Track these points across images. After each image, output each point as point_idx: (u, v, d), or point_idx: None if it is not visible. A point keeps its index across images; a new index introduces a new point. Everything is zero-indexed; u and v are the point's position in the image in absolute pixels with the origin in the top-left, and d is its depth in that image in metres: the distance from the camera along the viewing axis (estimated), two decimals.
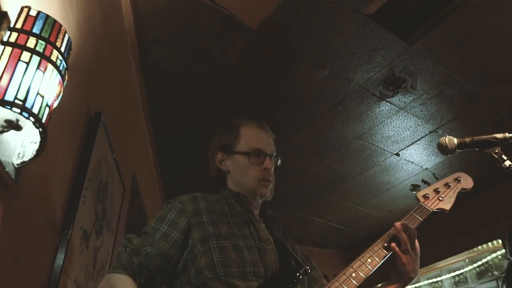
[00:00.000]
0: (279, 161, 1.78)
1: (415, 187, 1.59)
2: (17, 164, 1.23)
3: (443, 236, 5.06)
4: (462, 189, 1.87)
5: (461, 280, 5.04)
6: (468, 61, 3.16)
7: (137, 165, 3.34)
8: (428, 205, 1.78)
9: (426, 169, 4.39)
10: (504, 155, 1.60)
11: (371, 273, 1.49)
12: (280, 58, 3.09)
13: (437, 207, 1.78)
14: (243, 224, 1.60)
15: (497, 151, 1.62)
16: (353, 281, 1.45)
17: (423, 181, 1.90)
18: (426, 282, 5.38)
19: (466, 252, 4.88)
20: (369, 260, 1.54)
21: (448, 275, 5.13)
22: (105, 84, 2.34)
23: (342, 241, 6.03)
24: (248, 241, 1.55)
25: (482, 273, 4.85)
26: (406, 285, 1.59)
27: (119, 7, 2.70)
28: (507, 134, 1.62)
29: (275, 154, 1.75)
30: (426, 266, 5.27)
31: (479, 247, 4.77)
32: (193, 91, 3.38)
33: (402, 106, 3.55)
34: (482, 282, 4.78)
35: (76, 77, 1.75)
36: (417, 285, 5.45)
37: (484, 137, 1.65)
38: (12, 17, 1.20)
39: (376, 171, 4.43)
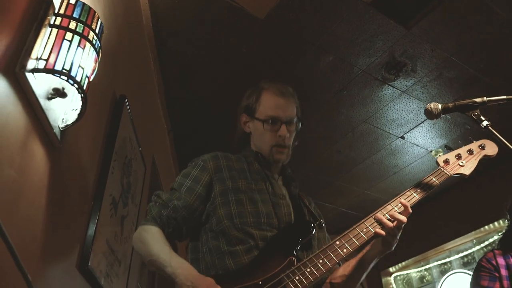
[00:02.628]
0: (299, 125, 1.86)
1: (437, 153, 1.72)
2: (62, 127, 1.48)
3: (450, 217, 5.24)
4: (485, 155, 1.90)
5: (469, 261, 5.20)
6: (465, 44, 3.34)
7: (156, 153, 3.59)
8: (448, 169, 1.81)
9: (431, 151, 4.57)
10: (482, 117, 1.79)
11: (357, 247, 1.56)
12: (286, 47, 3.31)
13: (456, 172, 1.82)
14: (260, 180, 1.75)
15: (476, 113, 1.79)
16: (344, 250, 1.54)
17: (446, 146, 2.01)
18: (435, 263, 5.54)
19: (473, 232, 5.03)
20: (357, 236, 1.58)
21: (456, 256, 5.29)
22: (127, 72, 2.58)
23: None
24: (263, 195, 1.71)
25: None
26: (382, 254, 1.67)
27: (137, 2, 2.95)
28: (485, 98, 1.80)
29: (294, 120, 1.83)
30: (435, 248, 5.43)
31: (486, 227, 4.91)
32: (208, 79, 3.61)
33: (404, 90, 3.75)
34: None
35: (103, 62, 2.00)
36: (427, 267, 5.62)
37: (465, 101, 1.82)
38: (56, 5, 1.44)
39: (383, 155, 4.63)
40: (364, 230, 1.61)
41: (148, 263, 1.55)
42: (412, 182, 5.28)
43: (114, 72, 2.27)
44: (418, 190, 1.76)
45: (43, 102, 1.33)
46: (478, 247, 5.08)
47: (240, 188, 1.71)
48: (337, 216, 5.91)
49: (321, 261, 1.50)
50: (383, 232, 1.59)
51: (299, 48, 3.32)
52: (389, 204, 1.71)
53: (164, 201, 1.66)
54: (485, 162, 4.06)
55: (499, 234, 4.81)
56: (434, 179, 1.79)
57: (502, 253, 2.59)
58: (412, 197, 1.73)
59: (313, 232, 1.65)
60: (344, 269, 1.70)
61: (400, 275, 5.95)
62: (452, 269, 5.29)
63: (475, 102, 1.81)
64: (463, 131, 4.27)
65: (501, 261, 2.54)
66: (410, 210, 1.68)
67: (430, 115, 1.87)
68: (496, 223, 4.84)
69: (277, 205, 1.71)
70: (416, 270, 5.76)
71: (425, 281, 5.66)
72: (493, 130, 1.78)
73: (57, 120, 1.44)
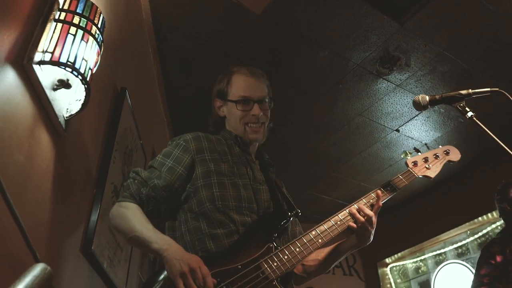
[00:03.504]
0: (272, 104, 1.92)
1: (407, 154, 1.84)
2: (66, 117, 1.57)
3: (445, 209, 5.33)
4: (449, 161, 2.06)
5: (463, 252, 5.30)
6: (457, 39, 3.42)
7: (157, 144, 3.68)
8: (416, 171, 1.98)
9: (425, 144, 4.65)
10: (468, 108, 1.88)
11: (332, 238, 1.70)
12: (283, 41, 3.40)
13: (423, 174, 1.98)
14: (241, 165, 1.81)
15: (462, 105, 1.88)
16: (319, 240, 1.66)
17: (415, 149, 2.09)
18: (430, 254, 5.64)
19: (467, 224, 5.12)
20: (331, 228, 1.71)
21: (451, 247, 5.39)
22: (127, 66, 2.67)
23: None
24: (245, 180, 1.77)
25: (483, 244, 5.09)
26: (357, 248, 1.80)
27: None
28: (470, 91, 1.89)
29: (266, 100, 1.89)
30: (429, 239, 5.53)
31: (480, 218, 5.01)
32: (207, 73, 3.69)
33: (399, 83, 3.83)
34: None
35: (105, 56, 2.08)
36: (422, 257, 5.72)
37: (451, 93, 1.92)
38: (60, 1, 1.53)
39: (378, 148, 4.72)
40: (338, 222, 1.73)
41: (129, 240, 1.58)
42: None
43: (115, 66, 2.36)
44: (388, 189, 1.89)
45: (49, 92, 1.42)
46: (472, 238, 5.18)
47: (223, 171, 1.75)
48: (334, 208, 5.93)
49: (297, 249, 1.61)
50: (354, 225, 1.72)
51: (296, 42, 3.40)
52: (362, 199, 1.83)
53: (143, 179, 1.69)
54: (480, 155, 4.09)
55: (494, 226, 4.93)
56: (403, 179, 1.95)
57: (500, 239, 2.71)
58: (383, 194, 1.84)
59: (290, 220, 1.74)
60: (318, 254, 1.80)
61: (396, 266, 6.06)
62: (447, 260, 5.40)
63: (461, 94, 1.91)
64: (457, 124, 4.36)
65: (496, 248, 2.68)
66: (381, 204, 1.79)
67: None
68: (489, 215, 4.93)
69: (257, 190, 1.77)
70: (411, 261, 5.86)
71: (420, 271, 5.76)
72: (477, 121, 1.89)
73: (62, 110, 1.53)
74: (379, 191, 1.82)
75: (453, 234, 5.37)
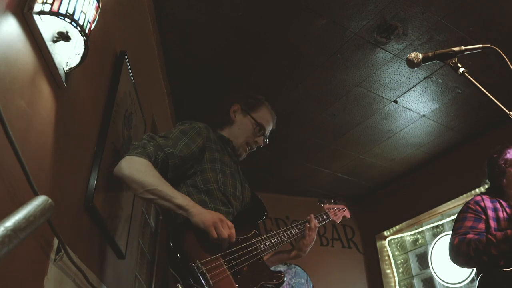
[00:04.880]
0: (267, 143, 2.40)
1: (321, 201, 2.71)
2: (66, 70, 1.61)
3: (442, 181, 5.39)
4: (344, 216, 2.71)
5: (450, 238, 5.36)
6: (454, 7, 3.43)
7: (156, 114, 3.72)
8: (330, 214, 2.55)
9: (423, 115, 4.70)
10: (459, 64, 1.92)
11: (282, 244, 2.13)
12: (280, 10, 3.41)
13: (333, 218, 2.57)
14: (233, 163, 2.19)
15: (454, 61, 1.93)
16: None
17: (326, 199, 2.75)
18: (428, 226, 5.72)
19: (464, 196, 5.17)
20: (295, 234, 2.20)
21: (448, 219, 5.46)
22: (126, 33, 2.69)
23: (349, 192, 6.37)
24: (237, 175, 2.17)
25: None
26: (294, 259, 2.25)
27: None
28: (462, 47, 1.94)
29: (267, 139, 2.39)
30: (427, 212, 5.60)
31: (477, 190, 5.05)
32: (206, 43, 3.72)
33: (396, 53, 3.86)
34: None
35: (103, 19, 2.11)
36: (420, 230, 5.80)
37: (443, 50, 1.96)
38: None
39: (376, 119, 4.76)
40: (298, 228, 2.22)
41: (148, 191, 1.76)
42: (406, 147, 5.47)
43: (115, 30, 2.39)
44: (318, 218, 2.42)
45: (49, 44, 1.46)
46: None
47: (225, 162, 2.11)
48: (333, 182, 6.07)
49: (274, 241, 2.05)
50: (313, 226, 2.23)
51: (293, 10, 3.41)
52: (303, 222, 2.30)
53: (160, 144, 1.91)
54: (477, 127, 4.10)
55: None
56: (325, 217, 2.50)
57: (489, 197, 2.72)
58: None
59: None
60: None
61: (394, 239, 6.15)
62: (444, 232, 5.47)
63: (453, 50, 1.96)
64: (454, 95, 4.39)
65: (488, 203, 2.68)
66: (317, 225, 2.30)
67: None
68: (486, 186, 4.97)
69: (244, 188, 2.21)
70: (409, 233, 5.95)
71: (418, 244, 5.85)
72: (469, 77, 1.93)
73: (61, 63, 1.57)
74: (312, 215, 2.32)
75: (451, 206, 5.43)
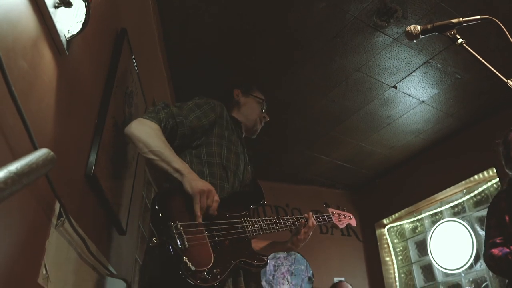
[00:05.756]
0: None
1: (328, 205, 2.71)
2: (68, 37, 1.62)
3: (441, 169, 5.41)
4: (349, 224, 2.73)
5: (459, 211, 5.39)
6: None
7: (157, 97, 3.74)
8: (333, 218, 2.56)
9: (422, 101, 4.71)
10: (458, 35, 1.94)
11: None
12: None
13: (335, 222, 2.58)
14: (240, 145, 2.28)
15: (452, 32, 1.95)
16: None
17: (333, 206, 2.74)
18: (427, 214, 5.74)
19: (463, 182, 5.20)
20: (287, 224, 2.19)
21: (447, 206, 5.49)
22: (127, 12, 2.71)
23: (349, 180, 6.40)
24: (242, 156, 2.25)
25: (478, 202, 5.19)
26: (287, 251, 2.27)
27: None
28: (461, 19, 1.96)
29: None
30: (426, 199, 5.62)
31: (476, 176, 5.08)
32: (206, 28, 3.73)
33: (396, 37, 3.86)
34: (478, 210, 5.12)
35: None
36: (419, 217, 5.83)
37: (442, 22, 1.98)
38: None
39: (376, 105, 4.77)
40: (293, 222, 2.20)
41: (150, 152, 1.86)
42: (405, 134, 5.49)
43: (115, 6, 2.40)
44: (318, 217, 2.37)
45: (50, 10, 1.47)
46: (467, 197, 5.27)
47: (232, 141, 2.20)
48: (333, 170, 6.09)
49: (264, 225, 2.04)
50: (310, 224, 2.20)
51: None
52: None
53: (172, 113, 2.03)
54: (476, 114, 4.07)
55: (490, 184, 5.00)
56: (327, 219, 2.51)
57: (507, 192, 2.71)
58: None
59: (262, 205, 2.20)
60: (256, 244, 2.22)
61: (393, 227, 6.18)
62: (443, 219, 5.49)
63: (452, 22, 1.98)
64: (454, 80, 4.40)
65: (507, 203, 2.66)
66: (315, 224, 2.27)
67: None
68: (485, 173, 5.00)
69: (246, 170, 2.27)
70: (408, 221, 5.97)
71: (417, 231, 5.88)
72: (467, 48, 1.94)
73: (63, 30, 1.59)
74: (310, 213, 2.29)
75: (449, 194, 5.46)
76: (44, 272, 1.47)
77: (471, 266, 4.95)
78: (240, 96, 2.49)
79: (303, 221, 2.20)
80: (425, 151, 5.63)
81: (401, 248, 6.05)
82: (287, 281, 5.51)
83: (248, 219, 2.00)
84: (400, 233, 6.11)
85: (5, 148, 1.21)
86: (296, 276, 5.60)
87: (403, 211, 5.94)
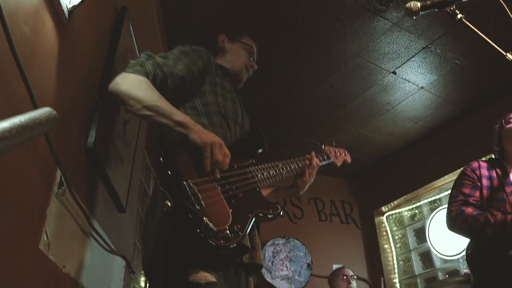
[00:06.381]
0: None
1: (323, 143, 2.60)
2: (69, 8, 1.63)
3: (439, 156, 5.43)
4: (345, 161, 2.72)
5: (448, 203, 5.41)
6: None
7: None
8: (331, 156, 2.52)
9: (422, 87, 4.72)
10: (458, 11, 1.94)
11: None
12: None
13: (334, 160, 2.55)
14: (234, 91, 2.13)
15: (452, 8, 1.95)
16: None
17: (327, 143, 2.69)
18: (426, 201, 5.76)
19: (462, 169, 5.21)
20: (293, 167, 2.13)
21: (446, 193, 5.50)
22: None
23: (348, 167, 6.38)
24: (238, 101, 2.11)
25: None
26: (292, 196, 2.31)
27: None
28: None
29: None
30: (424, 186, 5.65)
31: None
32: (206, 12, 3.73)
33: (395, 21, 3.87)
34: None
35: None
36: (418, 204, 5.85)
37: None
38: None
39: (375, 91, 4.78)
40: (296, 165, 2.16)
41: (146, 107, 1.66)
42: (404, 121, 5.50)
43: None
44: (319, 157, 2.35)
45: None
46: None
47: (226, 87, 2.05)
48: None
49: (272, 172, 1.96)
50: (314, 164, 2.18)
51: None
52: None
53: (158, 63, 1.83)
54: (475, 101, 4.06)
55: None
56: (325, 156, 2.47)
57: (487, 166, 2.76)
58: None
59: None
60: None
61: (392, 215, 6.20)
62: (442, 206, 5.51)
63: None
64: (453, 66, 4.41)
65: (484, 172, 2.72)
66: (319, 163, 2.26)
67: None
68: (484, 159, 5.00)
69: (244, 116, 2.14)
70: (407, 208, 5.99)
71: (416, 218, 5.90)
72: (467, 22, 1.95)
73: (64, 1, 1.60)
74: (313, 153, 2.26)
75: (448, 181, 5.47)
76: (45, 238, 1.49)
77: None
78: (226, 42, 2.29)
79: (307, 161, 2.16)
80: (424, 138, 5.65)
81: (399, 235, 6.08)
82: (286, 267, 5.54)
83: (256, 167, 1.90)
84: (399, 221, 6.14)
85: (8, 111, 1.23)
86: (295, 262, 5.63)
87: (401, 198, 5.97)
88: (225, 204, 1.61)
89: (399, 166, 6.03)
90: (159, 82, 1.80)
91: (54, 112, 1.09)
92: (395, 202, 6.08)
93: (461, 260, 4.96)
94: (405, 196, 5.92)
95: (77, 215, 1.80)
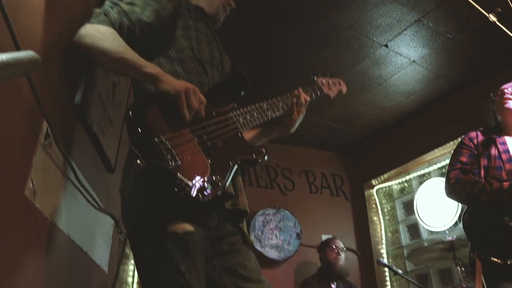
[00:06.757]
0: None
1: (315, 75, 2.36)
2: None
3: (429, 130, 5.49)
4: (340, 91, 2.48)
5: (446, 171, 5.50)
6: None
7: None
8: (323, 88, 2.29)
9: (413, 61, 4.75)
10: None
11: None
12: None
13: (327, 92, 2.33)
14: (210, 32, 1.99)
15: None
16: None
17: (321, 73, 2.43)
18: (415, 174, 5.84)
19: (451, 143, 5.28)
20: (278, 107, 1.95)
21: (435, 167, 5.59)
22: None
23: (339, 141, 6.47)
24: (214, 45, 1.97)
25: None
26: (281, 135, 2.08)
27: None
28: None
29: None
30: (414, 160, 5.73)
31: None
32: None
33: None
34: None
35: None
36: (407, 178, 5.94)
37: None
38: None
39: (367, 64, 4.81)
40: (282, 103, 1.98)
41: (114, 61, 1.59)
42: (396, 95, 5.53)
43: None
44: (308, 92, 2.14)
45: None
46: None
47: (200, 29, 1.90)
48: (324, 130, 6.15)
49: (256, 114, 1.84)
50: (303, 101, 2.00)
51: None
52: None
53: (125, 11, 1.70)
54: (466, 75, 4.09)
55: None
56: (317, 89, 2.25)
57: (485, 135, 2.83)
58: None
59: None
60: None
61: (382, 188, 6.29)
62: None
63: None
64: (444, 40, 4.43)
65: (481, 139, 2.80)
66: (308, 99, 2.06)
67: None
68: (481, 129, 5.06)
69: (223, 57, 2.01)
70: (397, 182, 6.08)
71: (405, 192, 5.99)
72: None
73: None
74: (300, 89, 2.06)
75: (437, 155, 5.56)
76: (31, 186, 1.55)
77: (455, 224, 5.08)
78: None
79: (294, 99, 1.99)
80: (415, 113, 5.70)
81: (388, 208, 6.18)
82: (276, 236, 5.65)
83: (238, 111, 1.78)
84: (388, 194, 6.23)
85: None
86: (285, 232, 5.74)
87: (391, 172, 6.05)
88: (203, 156, 1.56)
89: (390, 140, 6.10)
90: (126, 32, 1.68)
91: (37, 56, 1.15)
92: (385, 175, 6.16)
93: (447, 232, 5.07)
94: (395, 170, 6.00)
95: (64, 168, 1.86)
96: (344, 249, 5.16)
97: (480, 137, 2.85)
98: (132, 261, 4.50)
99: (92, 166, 2.32)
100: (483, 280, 2.53)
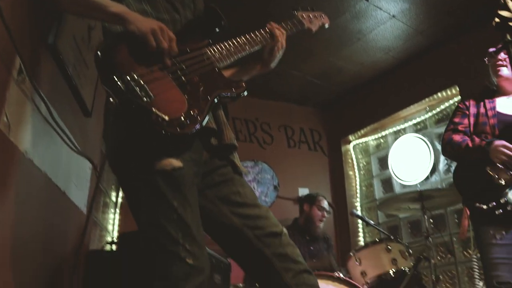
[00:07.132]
0: None
1: (295, 9, 2.19)
2: None
3: (407, 87, 5.57)
4: (322, 24, 2.37)
5: (421, 128, 5.62)
6: None
7: None
8: (304, 21, 2.20)
9: (393, 16, 4.76)
10: None
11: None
12: None
13: (308, 26, 2.23)
14: None
15: None
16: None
17: (301, 8, 2.32)
18: (391, 130, 5.95)
19: (427, 100, 5.38)
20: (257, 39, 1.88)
21: (410, 123, 5.70)
22: None
23: (319, 97, 6.51)
24: None
25: (440, 120, 5.40)
26: (262, 72, 2.00)
27: None
28: None
29: None
30: (391, 116, 5.83)
31: (439, 94, 5.25)
32: None
33: None
34: (439, 126, 5.35)
35: None
36: (383, 133, 6.05)
37: None
38: None
39: (347, 18, 4.80)
40: (260, 36, 1.90)
41: (74, 4, 1.55)
42: (375, 51, 5.53)
43: None
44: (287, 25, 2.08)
45: None
46: (430, 114, 5.46)
47: None
48: (303, 85, 6.16)
49: (232, 49, 1.77)
50: (277, 35, 1.91)
51: None
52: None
53: None
54: (444, 31, 4.07)
55: (452, 102, 5.20)
56: (296, 23, 2.16)
57: (478, 98, 2.98)
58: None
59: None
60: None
61: (358, 144, 6.40)
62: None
63: None
64: None
65: (473, 102, 2.97)
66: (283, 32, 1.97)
67: None
68: (448, 91, 5.17)
69: None
70: (373, 137, 6.19)
71: (380, 147, 6.12)
72: None
73: None
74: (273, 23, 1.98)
75: (413, 111, 5.66)
76: (5, 119, 1.57)
77: (427, 178, 5.24)
78: None
79: (275, 30, 1.93)
80: (394, 69, 5.74)
81: (364, 163, 6.32)
82: (254, 188, 5.76)
83: (213, 47, 1.72)
84: (364, 150, 6.35)
85: None
86: (262, 184, 5.85)
87: (368, 128, 6.15)
88: (178, 91, 1.51)
89: (368, 96, 6.16)
90: None
91: None
92: (362, 131, 6.26)
93: (418, 186, 5.23)
94: (371, 126, 6.10)
95: (39, 106, 1.88)
96: (330, 212, 5.11)
97: (472, 100, 3.00)
98: (112, 210, 4.58)
99: (68, 108, 2.34)
100: (471, 224, 2.87)
